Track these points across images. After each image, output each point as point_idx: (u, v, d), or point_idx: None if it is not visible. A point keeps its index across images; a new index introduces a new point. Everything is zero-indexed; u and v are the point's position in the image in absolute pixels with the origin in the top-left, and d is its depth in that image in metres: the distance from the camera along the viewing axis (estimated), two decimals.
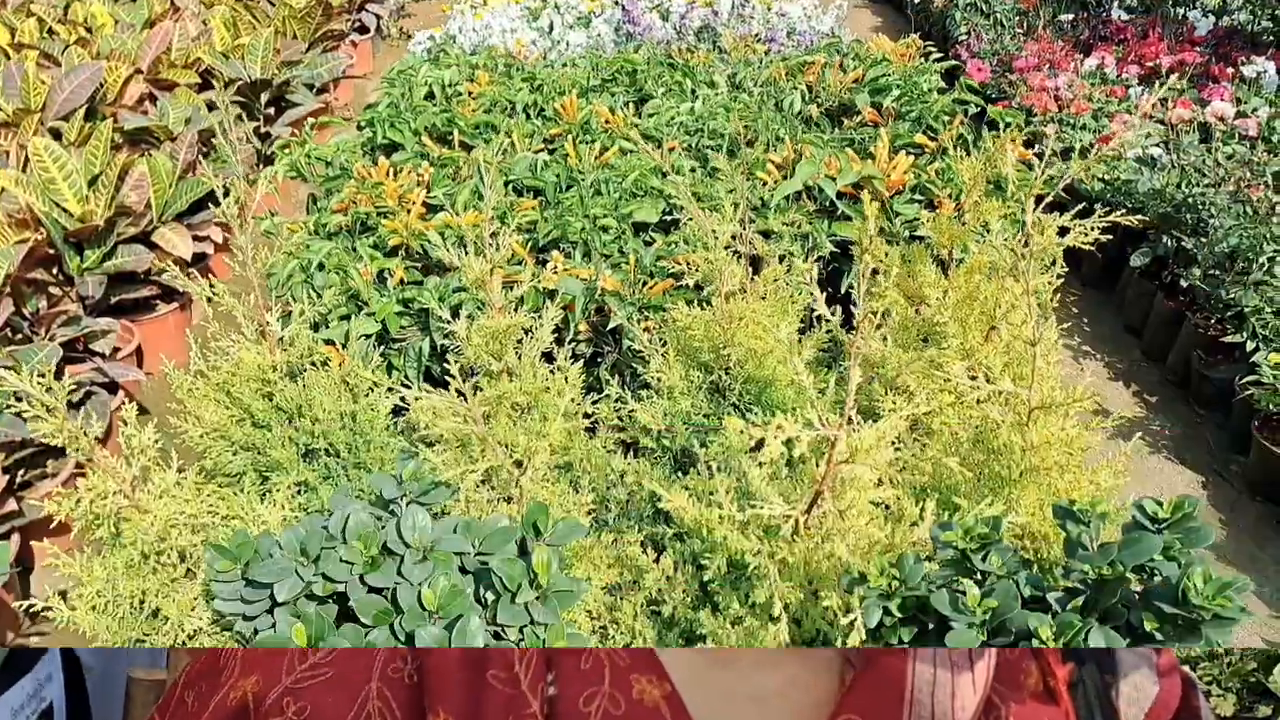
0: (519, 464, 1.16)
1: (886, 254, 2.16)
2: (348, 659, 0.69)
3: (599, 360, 1.88)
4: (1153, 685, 0.81)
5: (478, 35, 4.06)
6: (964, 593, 0.96)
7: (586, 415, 1.61)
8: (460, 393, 1.09)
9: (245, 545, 0.92)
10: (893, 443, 1.50)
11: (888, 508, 1.32)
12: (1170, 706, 0.81)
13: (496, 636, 0.88)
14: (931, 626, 1.00)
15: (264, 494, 1.37)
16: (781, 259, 2.11)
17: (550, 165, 2.27)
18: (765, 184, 2.27)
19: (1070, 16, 5.49)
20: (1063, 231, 1.65)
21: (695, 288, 1.98)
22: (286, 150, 2.37)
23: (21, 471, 2.28)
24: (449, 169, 2.22)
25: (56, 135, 3.07)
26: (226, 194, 1.46)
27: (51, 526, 2.13)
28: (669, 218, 2.26)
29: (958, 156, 1.82)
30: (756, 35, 3.92)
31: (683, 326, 1.63)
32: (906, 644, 0.99)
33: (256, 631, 0.90)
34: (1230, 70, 4.50)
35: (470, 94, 2.71)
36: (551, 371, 1.61)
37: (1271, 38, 5.13)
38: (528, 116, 2.67)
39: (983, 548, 1.01)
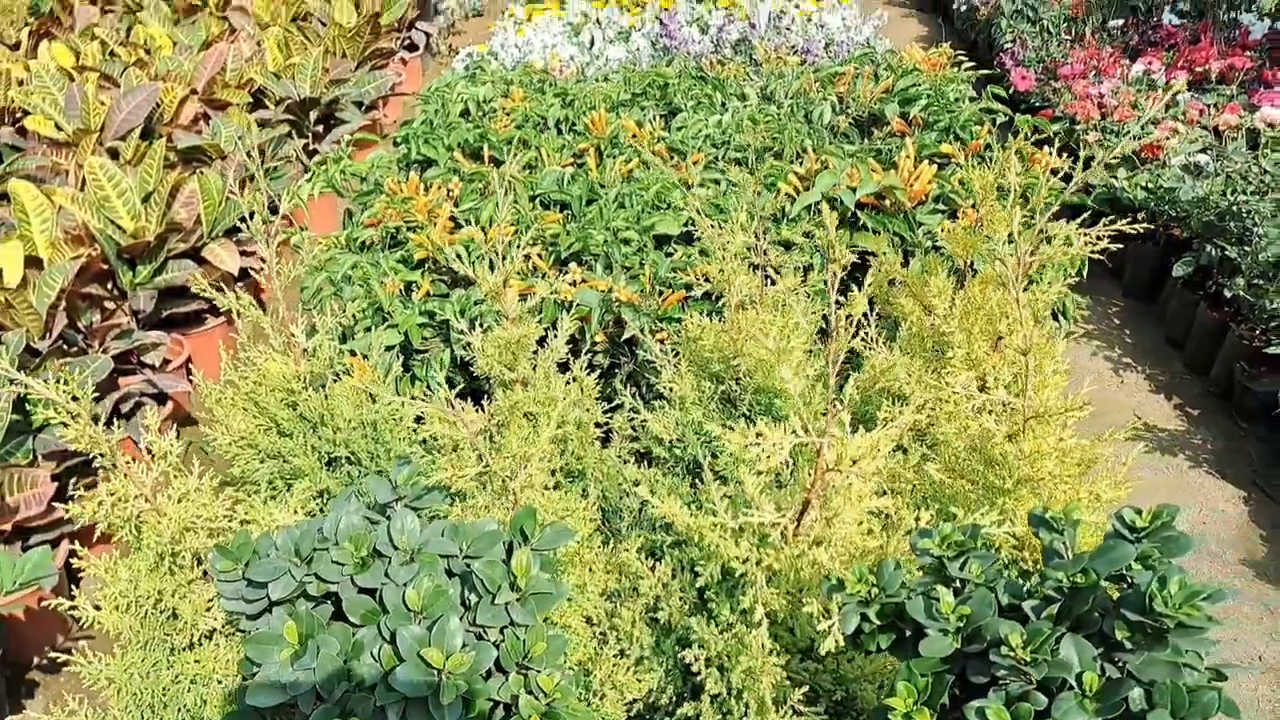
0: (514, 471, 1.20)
1: (906, 264, 2.17)
2: None
3: (615, 370, 1.92)
4: None
5: (519, 51, 4.14)
6: (939, 600, 0.97)
7: (599, 425, 1.65)
8: (450, 401, 1.14)
9: (245, 546, 0.97)
10: (898, 451, 1.52)
11: (887, 516, 1.33)
12: None
13: (478, 638, 0.91)
14: (909, 634, 1.01)
15: (282, 500, 1.43)
16: (803, 270, 2.13)
17: (576, 179, 2.32)
18: (788, 195, 2.29)
19: (1120, 22, 5.40)
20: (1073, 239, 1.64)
21: (710, 298, 2.01)
22: (323, 166, 2.46)
23: (74, 480, 2.39)
24: (478, 184, 2.28)
25: (114, 154, 3.21)
26: (252, 215, 1.52)
27: (98, 534, 2.24)
28: (692, 229, 2.29)
29: (969, 166, 1.82)
30: (793, 47, 3.94)
31: (694, 338, 1.66)
32: (884, 650, 1.00)
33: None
34: None
35: (505, 110, 2.78)
36: (567, 382, 1.65)
37: None
38: (559, 131, 2.72)
39: (960, 555, 1.02)
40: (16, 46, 4.09)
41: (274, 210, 3.51)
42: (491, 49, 4.30)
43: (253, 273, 3.07)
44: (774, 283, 1.85)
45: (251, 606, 0.95)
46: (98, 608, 1.20)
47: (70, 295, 2.52)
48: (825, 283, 2.09)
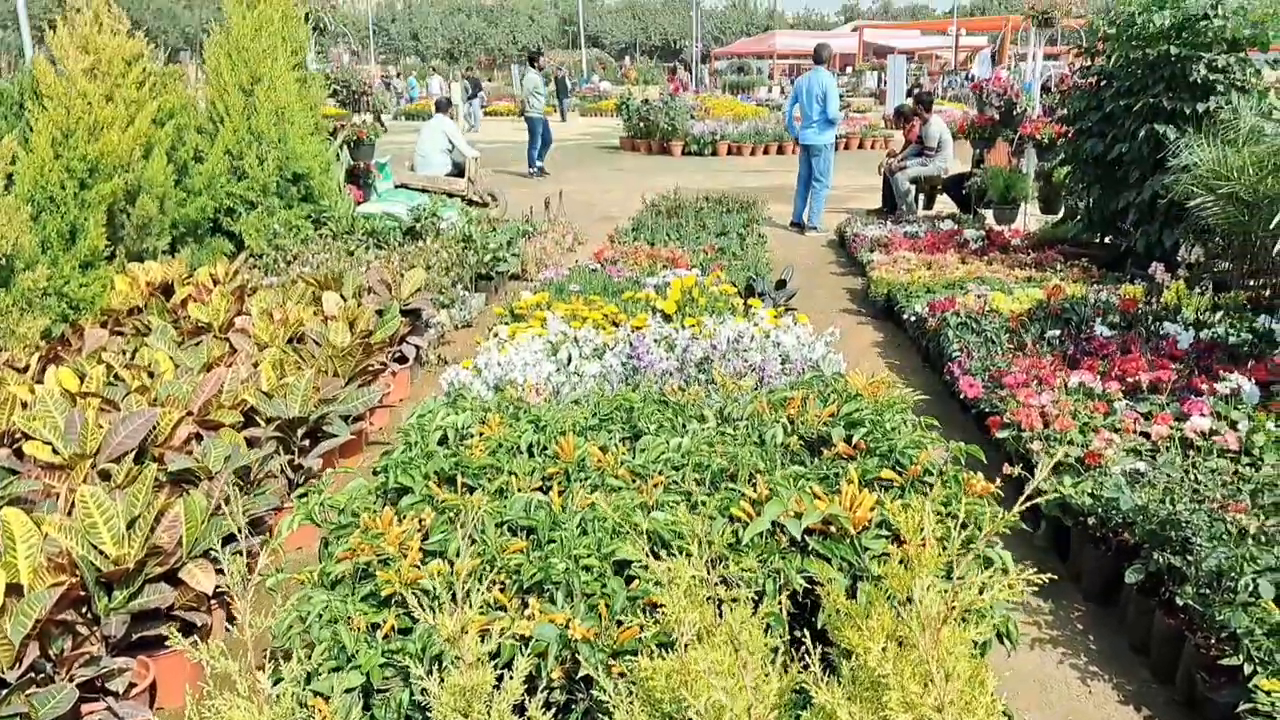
0: None
1: (854, 590, 2.27)
2: None
3: (572, 708, 1.96)
4: None
5: (501, 369, 4.45)
6: None
7: None
8: None
9: None
10: None
11: None
12: None
13: None
14: None
15: None
16: (756, 599, 2.23)
17: (543, 505, 2.47)
18: (742, 520, 2.44)
19: (1057, 332, 5.87)
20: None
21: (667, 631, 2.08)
22: (303, 499, 2.61)
23: None
24: (449, 514, 2.43)
25: (106, 475, 3.37)
26: (230, 539, 1.64)
27: None
28: (655, 548, 2.41)
29: (896, 510, 1.98)
30: (751, 365, 4.26)
31: (645, 678, 1.73)
32: None
33: None
34: (1213, 383, 4.75)
35: (481, 436, 2.98)
36: None
37: (1250, 349, 5.43)
38: (531, 455, 2.91)
39: None
40: (25, 369, 4.37)
41: (257, 526, 3.62)
42: (477, 364, 4.63)
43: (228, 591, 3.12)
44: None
45: None
46: None
47: (45, 623, 2.56)
48: (777, 612, 2.19)
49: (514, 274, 8.41)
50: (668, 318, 5.42)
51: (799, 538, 2.32)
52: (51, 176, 5.18)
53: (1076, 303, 6.20)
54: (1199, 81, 6.62)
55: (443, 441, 2.97)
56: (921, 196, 12.18)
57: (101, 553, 2.79)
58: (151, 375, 4.25)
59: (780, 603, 2.17)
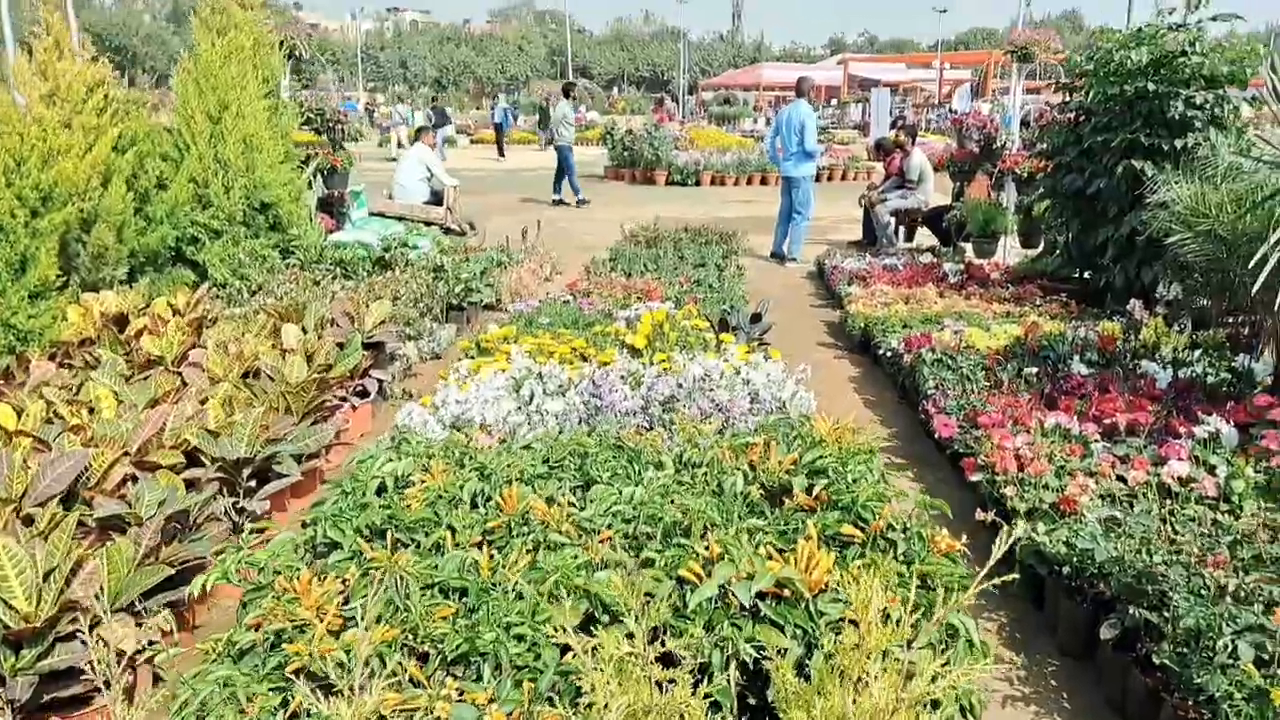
0: None
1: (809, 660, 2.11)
2: None
3: None
4: None
5: (459, 408, 4.30)
6: None
7: None
8: None
9: None
10: None
11: None
12: None
13: None
14: None
15: None
16: (702, 671, 2.07)
17: (478, 565, 2.31)
18: (692, 582, 2.28)
19: (1034, 370, 5.76)
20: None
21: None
22: (220, 557, 2.44)
23: None
24: (376, 573, 2.27)
25: (29, 521, 3.19)
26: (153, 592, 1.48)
27: None
28: (595, 613, 2.25)
29: (849, 579, 1.83)
30: (718, 404, 4.12)
31: None
32: None
33: None
34: (1191, 425, 4.63)
35: (423, 485, 2.82)
36: None
37: (1229, 389, 5.33)
38: (474, 506, 2.76)
39: None
40: None
41: (200, 573, 3.44)
42: (435, 401, 4.47)
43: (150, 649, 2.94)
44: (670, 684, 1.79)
45: None
46: None
47: None
48: (725, 685, 2.03)
49: (488, 304, 8.27)
50: (637, 352, 5.28)
51: (749, 603, 2.16)
52: (1, 205, 5.01)
53: (1054, 340, 6.10)
54: (1177, 118, 6.57)
55: (381, 490, 2.81)
56: (902, 229, 12.14)
57: (11, 608, 2.61)
58: (91, 412, 4.08)
59: (729, 676, 2.01)
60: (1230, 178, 5.91)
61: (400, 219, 11.11)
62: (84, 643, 2.69)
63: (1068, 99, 7.53)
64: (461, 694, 1.82)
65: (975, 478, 4.37)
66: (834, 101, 45.35)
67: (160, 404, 4.31)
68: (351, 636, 1.94)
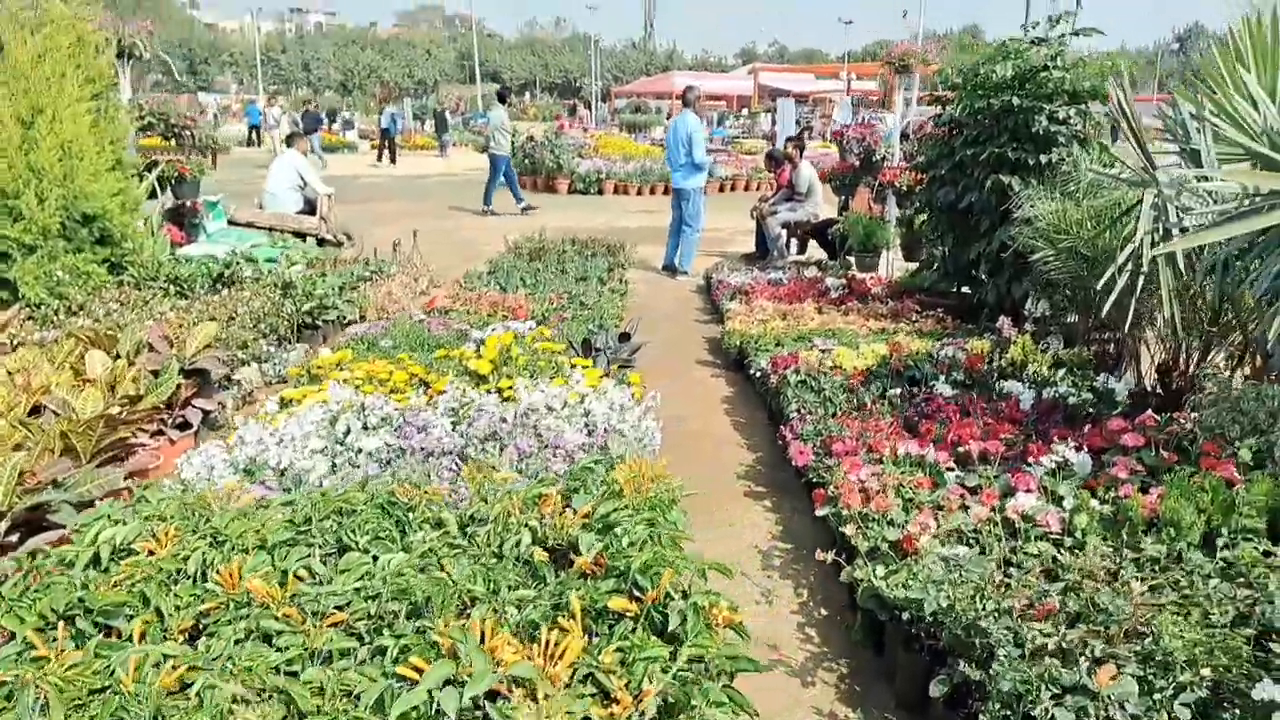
0: None
1: None
2: None
3: None
4: None
5: (256, 448, 3.89)
6: None
7: None
8: None
9: None
10: None
11: None
12: None
13: None
14: None
15: None
16: None
17: (161, 664, 1.93)
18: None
19: (898, 391, 5.58)
20: None
21: None
22: None
23: None
24: (34, 677, 1.87)
25: None
26: None
27: None
28: None
29: (605, 669, 1.51)
30: (546, 444, 3.79)
31: None
32: None
33: None
34: (1049, 451, 4.47)
35: (146, 554, 2.42)
36: None
37: (1090, 410, 5.22)
38: (199, 580, 2.37)
39: None
40: None
41: None
42: (236, 441, 4.05)
43: None
44: None
45: None
46: None
47: None
48: None
49: (351, 321, 7.78)
50: (483, 379, 4.92)
51: (467, 706, 1.83)
52: None
53: (920, 360, 5.94)
54: (1041, 133, 6.51)
55: (94, 564, 2.40)
56: (794, 242, 12.03)
57: None
58: None
59: None
60: (1091, 194, 5.84)
61: (271, 230, 10.55)
62: None
63: (940, 112, 7.44)
64: None
65: (822, 512, 4.13)
66: (745, 111, 45.67)
67: None
68: None
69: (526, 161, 19.97)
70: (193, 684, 1.91)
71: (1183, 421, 4.60)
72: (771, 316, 7.67)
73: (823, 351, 6.27)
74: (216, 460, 3.71)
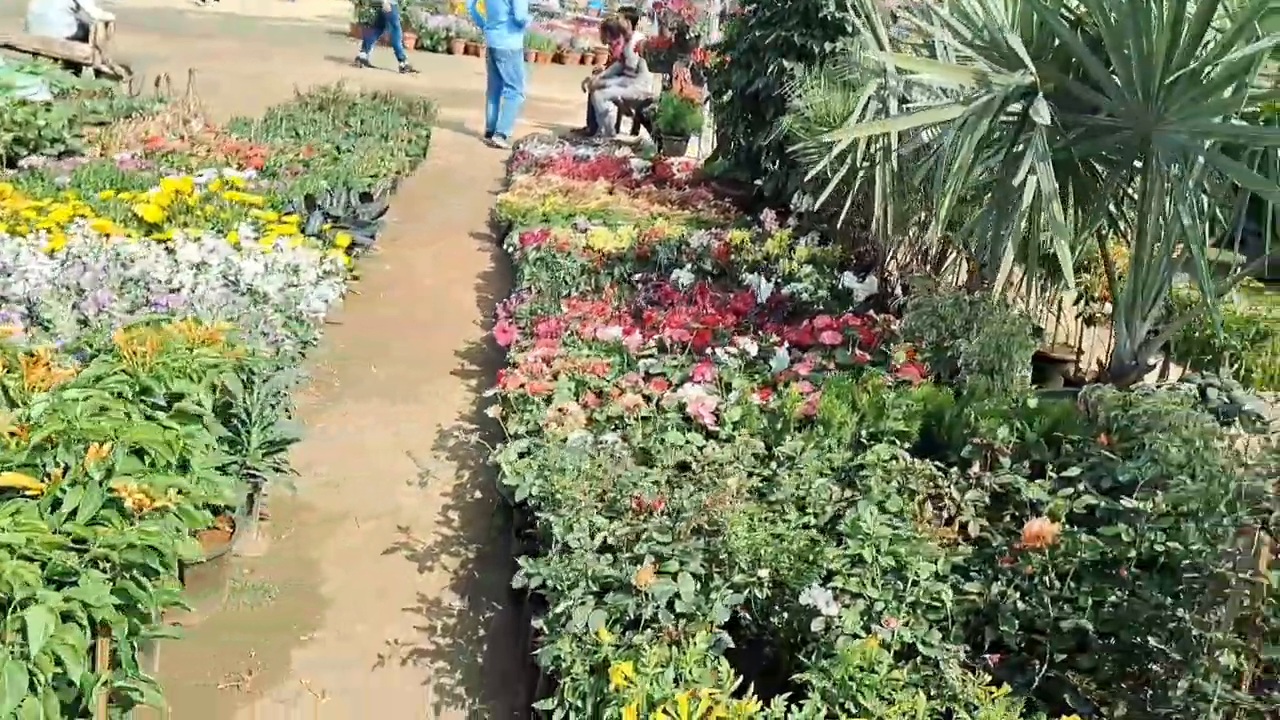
0: None
1: None
2: None
3: None
4: None
5: None
6: None
7: None
8: None
9: None
10: None
11: None
12: None
13: None
14: None
15: None
16: None
17: None
18: None
19: (636, 276, 5.36)
20: None
21: None
22: None
23: None
24: None
25: None
26: None
27: None
28: None
29: None
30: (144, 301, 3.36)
31: None
32: None
33: None
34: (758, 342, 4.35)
35: None
36: None
37: (824, 306, 5.12)
38: None
39: None
40: None
41: None
42: None
43: None
44: None
45: None
46: None
47: None
48: None
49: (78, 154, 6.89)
50: (156, 228, 4.42)
51: None
52: None
53: (666, 245, 5.72)
54: (829, 19, 6.24)
55: None
56: (628, 120, 11.58)
57: None
58: None
59: None
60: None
61: (36, 54, 9.45)
62: None
63: None
64: None
65: (490, 393, 3.90)
66: None
67: None
68: None
69: (372, 12, 18.56)
70: None
71: (892, 325, 4.54)
72: (553, 192, 7.29)
73: (580, 231, 5.97)
74: None
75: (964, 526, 2.85)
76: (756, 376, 4.01)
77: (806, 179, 5.42)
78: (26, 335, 2.89)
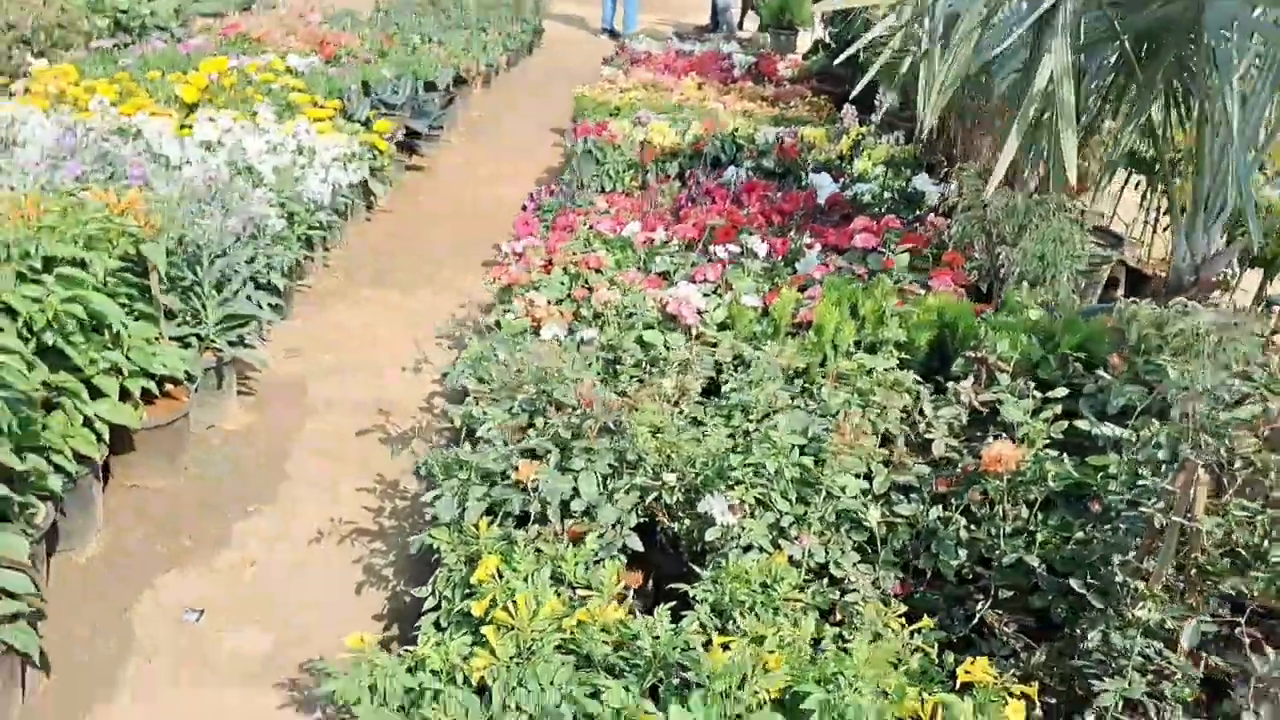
0: None
1: None
2: None
3: None
4: None
5: None
6: None
7: None
8: None
9: None
10: None
11: None
12: None
13: None
14: None
15: None
16: None
17: None
18: None
19: (689, 173, 5.09)
20: None
21: None
22: None
23: None
24: None
25: None
26: None
27: None
28: None
29: None
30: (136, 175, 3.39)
31: None
32: None
33: None
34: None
35: None
36: None
37: (884, 209, 4.72)
38: None
39: None
40: None
41: None
42: None
43: None
44: None
45: None
46: None
47: None
48: None
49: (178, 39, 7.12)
50: (193, 108, 4.51)
51: None
52: None
53: (728, 141, 5.39)
54: None
55: None
56: (750, 14, 11.04)
57: None
58: None
59: None
60: None
61: None
62: None
63: None
64: None
65: (487, 282, 3.80)
66: None
67: None
68: None
69: None
70: None
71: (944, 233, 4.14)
72: (636, 86, 7.03)
73: (641, 125, 5.72)
74: None
75: (927, 445, 2.55)
76: (779, 280, 3.73)
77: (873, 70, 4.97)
78: None
